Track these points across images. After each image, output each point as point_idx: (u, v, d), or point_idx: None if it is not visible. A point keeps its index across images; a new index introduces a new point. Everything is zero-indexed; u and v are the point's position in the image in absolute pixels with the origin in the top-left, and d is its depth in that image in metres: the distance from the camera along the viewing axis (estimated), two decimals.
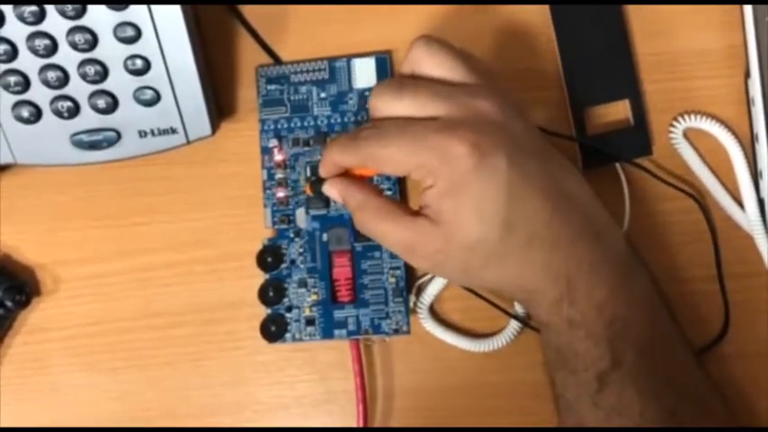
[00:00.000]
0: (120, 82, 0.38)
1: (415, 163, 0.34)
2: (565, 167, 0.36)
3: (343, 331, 0.41)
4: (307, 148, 0.42)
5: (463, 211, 0.33)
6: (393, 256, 0.41)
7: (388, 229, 0.35)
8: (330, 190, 0.37)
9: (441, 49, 0.35)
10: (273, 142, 0.42)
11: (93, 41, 0.38)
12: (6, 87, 0.38)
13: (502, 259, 0.34)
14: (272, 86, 0.42)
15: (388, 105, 0.35)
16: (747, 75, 0.41)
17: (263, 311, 0.41)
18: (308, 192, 0.40)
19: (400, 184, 0.42)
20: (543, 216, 0.34)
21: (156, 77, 0.38)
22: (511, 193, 0.33)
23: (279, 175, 0.42)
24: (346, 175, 0.37)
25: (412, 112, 0.34)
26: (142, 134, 0.39)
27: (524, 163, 0.34)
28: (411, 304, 0.41)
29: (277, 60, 0.43)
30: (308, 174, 0.42)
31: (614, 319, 0.35)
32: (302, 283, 0.41)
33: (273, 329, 0.41)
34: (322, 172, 0.37)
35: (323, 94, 0.42)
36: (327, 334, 0.41)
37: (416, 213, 0.35)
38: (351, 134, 0.36)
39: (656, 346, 0.36)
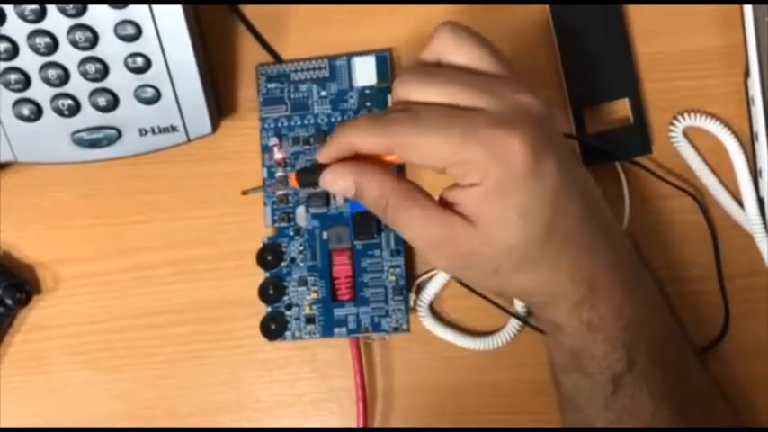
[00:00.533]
0: (120, 80, 0.38)
1: (462, 157, 0.31)
2: (582, 167, 0.35)
3: (343, 329, 0.41)
4: (307, 147, 0.42)
5: (508, 213, 0.31)
6: (393, 255, 0.41)
7: (416, 219, 0.32)
8: (336, 179, 0.33)
9: (469, 37, 0.33)
10: (274, 140, 0.42)
11: (94, 39, 0.38)
12: (7, 85, 0.38)
13: (536, 263, 0.33)
14: (273, 85, 0.42)
15: (420, 92, 0.32)
16: (747, 74, 0.41)
17: (263, 310, 0.41)
18: (293, 184, 0.35)
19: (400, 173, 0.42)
20: (578, 220, 0.33)
21: (156, 76, 0.38)
22: (556, 197, 0.32)
23: (279, 173, 0.42)
24: (351, 161, 0.33)
25: (447, 100, 0.32)
26: (142, 132, 0.40)
27: (567, 165, 0.32)
28: (411, 302, 0.41)
29: (277, 59, 0.43)
30: None
31: (631, 321, 0.34)
32: (302, 282, 0.41)
33: (273, 328, 0.41)
34: (325, 156, 0.33)
35: (323, 93, 0.42)
36: (327, 332, 0.41)
37: (446, 208, 0.33)
38: (376, 115, 0.33)
39: (664, 346, 0.36)
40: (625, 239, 0.37)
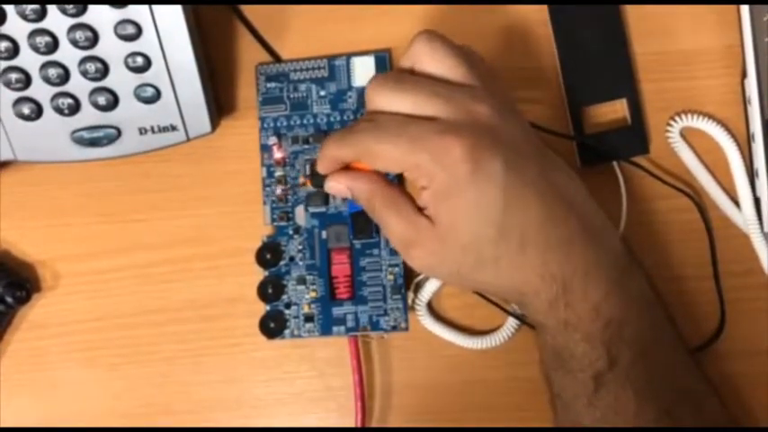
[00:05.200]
0: (120, 79, 0.39)
1: (411, 162, 0.34)
2: (561, 170, 0.36)
3: (342, 328, 0.41)
4: (306, 146, 0.42)
5: (458, 215, 0.34)
6: (392, 254, 0.41)
7: (393, 220, 0.35)
8: (335, 185, 0.36)
9: (442, 47, 0.35)
10: (273, 140, 0.42)
11: (94, 39, 0.38)
12: (7, 84, 0.38)
13: (496, 262, 0.34)
14: (272, 84, 0.42)
15: (386, 100, 0.35)
16: (744, 75, 0.41)
17: (261, 308, 0.41)
18: (308, 184, 0.38)
19: (399, 179, 0.42)
20: (538, 219, 0.34)
21: (156, 75, 0.39)
22: (506, 198, 0.33)
23: (278, 172, 0.42)
24: (348, 169, 0.36)
25: (409, 109, 0.34)
26: (142, 131, 0.40)
27: (521, 167, 0.34)
28: (409, 301, 0.41)
29: (277, 58, 0.43)
30: (307, 171, 0.42)
31: (610, 320, 0.35)
32: (301, 280, 0.41)
33: (272, 326, 0.41)
34: (320, 168, 0.36)
35: (322, 92, 0.42)
36: (326, 331, 0.41)
37: (420, 211, 0.35)
38: (347, 127, 0.36)
39: (651, 346, 0.36)
40: (612, 238, 0.37)
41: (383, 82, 0.35)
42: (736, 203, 0.41)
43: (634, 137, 0.42)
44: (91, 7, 0.37)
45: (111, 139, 0.40)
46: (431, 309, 0.42)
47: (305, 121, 0.42)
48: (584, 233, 0.35)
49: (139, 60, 0.38)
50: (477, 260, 0.34)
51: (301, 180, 0.41)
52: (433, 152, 0.33)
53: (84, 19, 0.37)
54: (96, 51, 0.38)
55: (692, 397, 0.37)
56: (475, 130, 0.33)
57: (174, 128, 0.40)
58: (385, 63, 0.42)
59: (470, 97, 0.34)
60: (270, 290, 0.41)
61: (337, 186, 0.36)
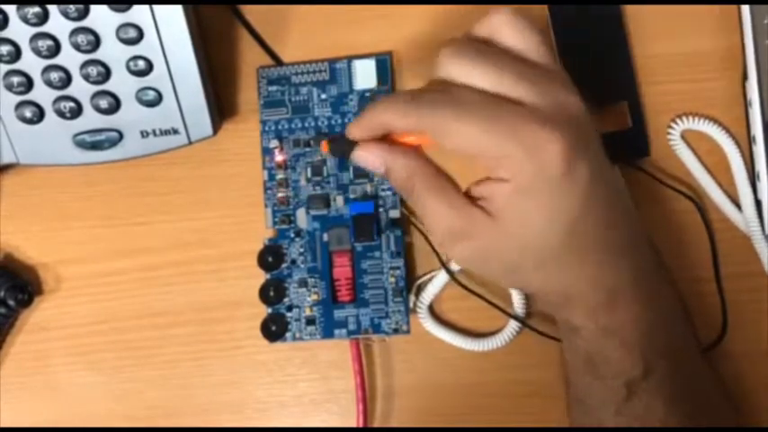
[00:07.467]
0: (122, 83, 0.39)
1: (499, 151, 0.30)
2: (618, 176, 0.35)
3: (344, 331, 0.41)
4: (307, 149, 0.42)
5: (533, 213, 0.31)
6: (393, 257, 0.41)
7: (439, 207, 0.32)
8: (367, 156, 0.32)
9: (528, 24, 0.32)
10: (274, 143, 0.42)
11: (96, 42, 0.38)
12: (10, 88, 0.38)
13: (557, 265, 0.33)
14: (273, 87, 0.43)
15: (464, 71, 0.31)
16: (745, 77, 0.41)
17: (263, 311, 0.41)
18: (325, 150, 0.34)
19: None
20: (602, 227, 0.32)
21: (157, 78, 0.39)
22: (584, 204, 0.31)
23: (280, 175, 0.42)
24: (384, 140, 0.32)
25: (491, 86, 0.31)
26: (144, 134, 0.40)
27: (600, 172, 0.32)
28: (411, 304, 0.41)
29: (278, 61, 0.43)
30: (309, 174, 0.42)
31: (649, 329, 0.34)
32: (303, 283, 0.41)
33: (274, 329, 0.41)
34: (355, 131, 0.32)
35: (323, 95, 0.42)
36: (328, 333, 0.41)
37: (471, 200, 0.32)
38: (411, 94, 0.32)
39: (681, 354, 0.35)
40: (649, 248, 0.36)
41: (462, 50, 0.31)
42: (738, 206, 0.41)
43: (635, 139, 0.42)
44: (92, 11, 0.37)
45: (112, 143, 0.40)
46: (432, 311, 0.42)
47: (306, 124, 0.42)
48: (632, 243, 0.34)
49: (141, 64, 0.38)
50: (539, 261, 0.32)
51: (321, 145, 0.40)
52: (530, 145, 0.30)
53: (85, 23, 0.37)
54: (98, 55, 0.38)
55: (711, 403, 0.37)
56: (571, 126, 0.31)
57: (175, 131, 0.40)
58: (386, 66, 0.42)
59: (559, 85, 0.31)
60: (271, 293, 0.41)
61: (370, 158, 0.32)
